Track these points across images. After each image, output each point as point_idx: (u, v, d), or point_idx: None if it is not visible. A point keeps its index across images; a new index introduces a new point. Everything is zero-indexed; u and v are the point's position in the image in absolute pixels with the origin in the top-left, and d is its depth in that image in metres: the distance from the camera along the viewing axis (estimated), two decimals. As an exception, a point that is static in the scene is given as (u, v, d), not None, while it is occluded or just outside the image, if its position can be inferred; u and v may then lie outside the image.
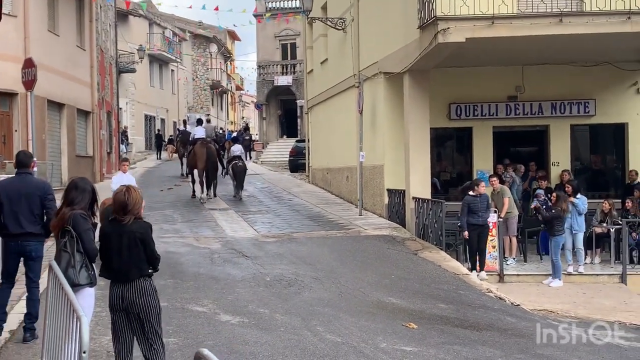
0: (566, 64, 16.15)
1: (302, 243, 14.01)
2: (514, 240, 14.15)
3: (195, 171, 20.45)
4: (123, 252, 5.44)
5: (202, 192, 20.21)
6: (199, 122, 23.47)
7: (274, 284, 10.30)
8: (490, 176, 14.83)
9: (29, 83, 12.87)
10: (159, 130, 45.35)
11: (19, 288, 7.78)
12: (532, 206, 14.09)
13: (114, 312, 5.50)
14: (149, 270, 5.57)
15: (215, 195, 21.19)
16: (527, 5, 13.04)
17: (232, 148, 22.62)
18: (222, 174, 22.09)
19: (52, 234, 7.22)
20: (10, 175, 9.40)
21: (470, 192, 13.09)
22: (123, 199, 5.44)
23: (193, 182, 21.05)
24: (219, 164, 21.45)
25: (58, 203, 6.63)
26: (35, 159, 13.16)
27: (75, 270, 5.62)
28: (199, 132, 22.30)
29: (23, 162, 7.47)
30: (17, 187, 7.20)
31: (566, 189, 13.98)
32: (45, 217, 7.16)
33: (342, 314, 8.80)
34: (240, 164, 21.06)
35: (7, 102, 19.04)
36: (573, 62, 16.05)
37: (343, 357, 6.98)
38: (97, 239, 5.80)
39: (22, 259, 7.29)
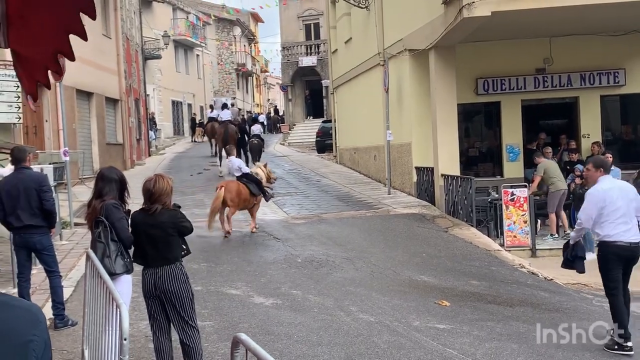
0: (594, 34, 15.87)
1: (331, 224, 14.07)
2: (552, 216, 13.94)
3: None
4: (154, 242, 5.55)
5: (220, 165, 22.93)
6: (224, 106, 25.95)
7: (306, 265, 10.39)
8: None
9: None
10: (194, 114, 46.05)
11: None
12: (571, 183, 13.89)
13: (148, 298, 5.61)
14: (182, 253, 5.69)
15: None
16: (553, -24, 12.81)
17: (252, 127, 26.28)
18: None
19: (54, 226, 7.75)
20: (41, 166, 9.58)
21: None
22: (149, 186, 5.55)
23: (219, 156, 23.90)
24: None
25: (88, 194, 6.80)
26: (67, 147, 13.47)
27: (111, 260, 5.72)
28: (225, 115, 24.79)
29: (18, 157, 7.69)
30: (14, 182, 7.42)
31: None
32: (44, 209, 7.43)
33: (374, 293, 8.85)
34: (256, 141, 24.27)
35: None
36: (601, 32, 15.76)
37: (377, 336, 7.04)
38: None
39: (32, 252, 7.62)
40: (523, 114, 17.44)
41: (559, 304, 8.92)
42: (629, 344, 6.89)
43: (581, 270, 8.10)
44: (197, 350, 5.58)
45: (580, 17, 13.80)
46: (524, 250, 13.01)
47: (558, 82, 17.08)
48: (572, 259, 7.95)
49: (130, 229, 5.76)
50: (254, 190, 13.13)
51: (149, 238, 5.57)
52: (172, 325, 5.65)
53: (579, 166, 14.46)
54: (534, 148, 16.36)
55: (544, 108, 17.91)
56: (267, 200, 14.11)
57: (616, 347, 6.94)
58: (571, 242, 7.99)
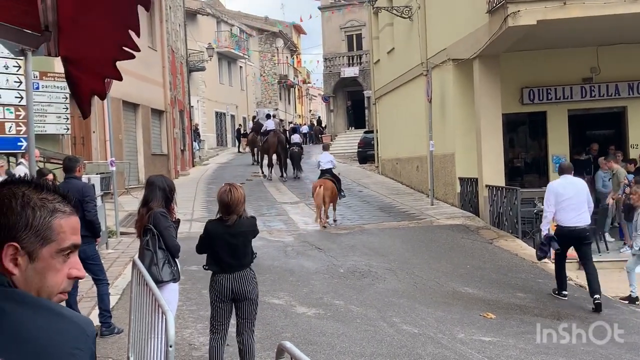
0: (643, 42, 15.56)
1: (373, 234, 14.01)
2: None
3: (266, 156, 25.56)
4: (234, 251, 5.71)
5: (271, 172, 25.09)
6: (268, 116, 27.70)
7: (348, 276, 10.35)
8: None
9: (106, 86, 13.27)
10: (240, 125, 46.61)
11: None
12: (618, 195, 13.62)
13: (221, 301, 5.70)
14: (253, 255, 5.92)
15: (284, 175, 25.24)
16: (601, -16, 12.59)
17: (292, 136, 27.61)
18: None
19: (99, 236, 7.86)
20: (93, 176, 9.76)
21: None
22: (227, 199, 5.66)
23: (261, 164, 26.15)
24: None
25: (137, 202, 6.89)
26: (113, 158, 13.72)
27: (158, 268, 5.78)
28: (270, 125, 25.93)
29: (68, 167, 7.82)
30: None
31: None
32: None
33: (417, 304, 8.77)
34: (296, 149, 25.23)
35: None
36: (650, 40, 15.45)
37: (421, 347, 6.96)
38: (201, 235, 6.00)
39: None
40: (570, 124, 17.15)
41: (608, 317, 8.68)
42: (565, 293, 9.50)
43: (540, 258, 10.58)
44: (252, 352, 5.80)
45: (628, 26, 13.53)
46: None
47: (605, 92, 16.76)
48: (546, 244, 9.62)
49: (206, 238, 5.84)
50: (339, 187, 15.71)
51: (229, 247, 5.71)
52: (235, 328, 5.82)
53: (630, 176, 14.13)
54: (582, 158, 16.06)
55: (591, 118, 17.57)
56: (340, 198, 16.07)
57: (556, 292, 9.56)
58: (544, 234, 9.66)
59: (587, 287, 10.33)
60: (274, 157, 25.57)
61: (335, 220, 15.53)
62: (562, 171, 9.81)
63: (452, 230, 14.12)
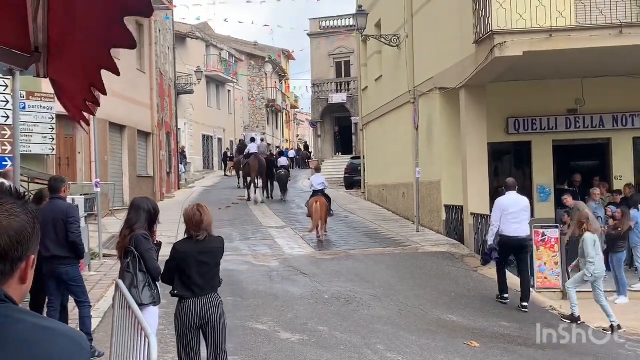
0: (627, 75, 15.77)
1: (359, 260, 13.98)
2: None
3: (249, 178, 25.76)
4: (204, 269, 5.58)
5: (255, 193, 25.15)
6: (252, 140, 28.23)
7: (333, 302, 10.31)
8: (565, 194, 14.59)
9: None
10: (227, 148, 46.60)
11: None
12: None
13: (188, 329, 5.55)
14: (220, 282, 5.79)
15: (271, 197, 26.24)
16: (586, 17, 12.80)
17: (279, 160, 28.09)
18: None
19: (82, 258, 7.69)
20: (77, 197, 9.69)
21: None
22: (199, 217, 5.57)
23: (248, 187, 25.96)
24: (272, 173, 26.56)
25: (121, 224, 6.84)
26: (98, 179, 13.64)
27: (138, 290, 5.72)
28: (252, 148, 26.37)
29: (53, 187, 7.80)
30: (45, 212, 7.50)
31: None
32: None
33: (402, 332, 8.74)
34: (283, 172, 26.05)
35: (71, 124, 19.65)
36: (634, 73, 15.65)
37: (404, 375, 6.92)
38: (168, 257, 5.89)
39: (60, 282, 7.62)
40: (554, 154, 17.30)
41: (591, 347, 8.70)
42: (506, 296, 10.72)
43: (484, 263, 12.02)
44: None
45: (613, 59, 13.74)
46: (554, 292, 12.76)
47: (590, 123, 16.96)
48: (488, 254, 10.91)
49: (173, 260, 5.71)
50: (329, 205, 17.24)
51: (199, 266, 5.57)
52: (206, 355, 5.67)
53: (612, 207, 14.23)
54: (565, 188, 16.17)
55: (576, 149, 17.75)
56: (329, 216, 17.57)
57: (498, 298, 10.80)
58: (489, 244, 10.91)
59: (565, 317, 10.44)
60: (257, 179, 25.93)
61: (326, 232, 17.14)
62: (507, 188, 10.93)
63: (437, 257, 14.13)
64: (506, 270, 10.89)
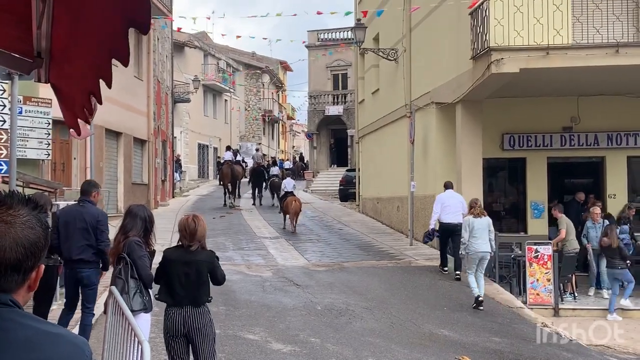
0: (623, 94, 15.88)
1: (352, 272, 13.99)
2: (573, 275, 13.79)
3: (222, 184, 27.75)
4: (189, 279, 5.54)
5: (229, 198, 27.12)
6: (228, 148, 29.96)
7: (325, 313, 10.30)
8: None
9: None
10: (219, 157, 46.52)
11: (78, 313, 7.99)
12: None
13: (172, 338, 5.55)
14: (208, 297, 5.68)
15: (260, 204, 28.14)
16: (583, 36, 12.90)
17: (272, 169, 30.34)
18: (264, 188, 29.39)
19: (107, 269, 7.50)
20: (71, 203, 9.67)
21: None
22: (193, 226, 5.56)
23: (224, 193, 27.59)
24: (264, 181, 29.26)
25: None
26: (100, 188, 13.60)
27: (128, 297, 5.72)
28: (226, 156, 28.19)
29: (85, 190, 7.73)
30: (74, 214, 7.44)
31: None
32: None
33: (393, 345, 8.74)
34: (276, 180, 28.03)
35: (67, 130, 19.63)
36: (629, 93, 15.77)
37: (395, 389, 6.92)
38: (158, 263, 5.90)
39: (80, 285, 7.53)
40: (549, 171, 17.37)
41: (583, 365, 8.71)
42: (446, 268, 13.80)
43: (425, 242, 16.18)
44: None
45: (609, 78, 13.84)
46: (546, 309, 12.79)
47: (585, 141, 17.03)
48: (430, 234, 14.33)
49: (162, 265, 5.73)
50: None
51: (181, 276, 5.54)
52: None
53: (624, 227, 14.31)
54: (556, 202, 16.23)
55: (570, 166, 17.83)
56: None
57: (439, 267, 13.97)
58: (430, 227, 14.18)
59: (562, 334, 10.46)
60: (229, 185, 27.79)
61: (296, 226, 20.42)
62: (446, 187, 14.02)
63: (430, 271, 14.14)
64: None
